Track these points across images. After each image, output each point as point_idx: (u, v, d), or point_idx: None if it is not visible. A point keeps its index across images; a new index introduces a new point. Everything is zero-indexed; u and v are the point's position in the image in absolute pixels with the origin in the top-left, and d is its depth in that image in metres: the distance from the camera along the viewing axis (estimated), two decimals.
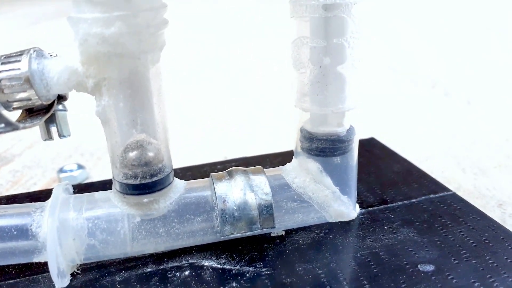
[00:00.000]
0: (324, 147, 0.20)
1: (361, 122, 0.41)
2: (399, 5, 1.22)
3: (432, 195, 0.23)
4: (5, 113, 0.16)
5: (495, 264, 0.18)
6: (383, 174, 0.25)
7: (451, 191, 0.24)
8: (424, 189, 0.24)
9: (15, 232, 0.19)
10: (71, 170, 0.32)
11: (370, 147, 0.29)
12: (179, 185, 0.20)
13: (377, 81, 0.55)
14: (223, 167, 0.28)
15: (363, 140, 0.30)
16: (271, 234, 0.21)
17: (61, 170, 0.33)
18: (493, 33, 0.80)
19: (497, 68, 0.59)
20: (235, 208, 0.19)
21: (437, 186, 0.24)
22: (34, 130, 0.19)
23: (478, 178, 0.31)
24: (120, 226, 0.19)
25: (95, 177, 0.33)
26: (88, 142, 0.40)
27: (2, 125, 0.16)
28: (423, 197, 0.23)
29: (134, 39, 0.15)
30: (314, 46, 0.17)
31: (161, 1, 0.16)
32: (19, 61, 0.17)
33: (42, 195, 0.26)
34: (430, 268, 0.18)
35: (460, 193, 0.29)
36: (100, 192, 0.20)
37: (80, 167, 0.33)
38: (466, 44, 0.73)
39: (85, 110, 0.42)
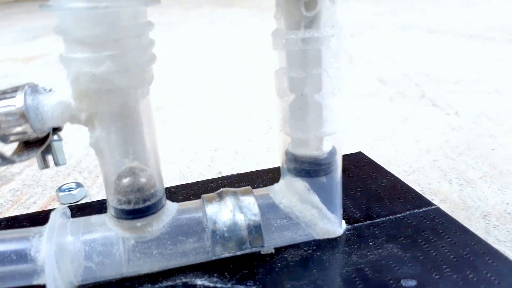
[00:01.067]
0: (308, 169, 0.21)
1: (350, 135, 0.41)
2: (386, 15, 1.23)
3: (416, 210, 0.24)
4: (0, 147, 0.17)
5: (475, 279, 0.19)
6: (369, 189, 0.26)
7: (435, 205, 0.25)
8: (408, 204, 0.25)
9: (14, 257, 0.19)
10: (70, 189, 0.33)
11: (357, 162, 0.30)
12: (171, 207, 0.21)
13: (365, 93, 0.56)
14: (216, 184, 0.29)
15: (350, 155, 0.31)
16: (261, 252, 0.22)
17: (60, 189, 0.34)
18: (481, 43, 0.81)
19: (486, 79, 0.60)
20: (225, 229, 0.20)
21: (421, 201, 0.25)
22: None
23: (464, 190, 0.32)
24: (115, 249, 0.20)
25: (94, 194, 0.34)
26: (86, 160, 0.41)
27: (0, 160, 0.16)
28: (408, 212, 0.24)
29: (124, 76, 0.16)
30: (294, 77, 0.18)
31: (148, 38, 0.17)
32: (14, 97, 0.18)
33: (42, 216, 0.27)
34: (412, 283, 0.19)
35: (446, 205, 0.30)
36: (96, 216, 0.21)
37: (78, 185, 0.34)
38: (455, 54, 0.74)
39: (82, 129, 0.43)
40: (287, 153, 0.21)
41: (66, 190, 0.33)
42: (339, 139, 0.21)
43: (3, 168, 0.40)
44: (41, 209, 0.33)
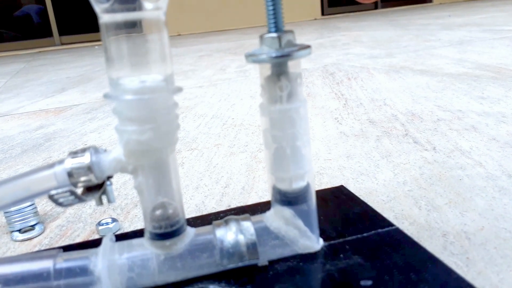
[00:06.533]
0: (291, 200, 0.28)
1: (339, 171, 0.48)
2: (382, 58, 1.32)
3: (380, 230, 0.31)
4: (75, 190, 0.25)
5: (415, 279, 0.26)
6: (345, 215, 0.33)
7: (395, 226, 0.31)
8: (374, 225, 0.32)
9: (78, 270, 0.27)
10: (107, 223, 0.41)
11: (338, 193, 0.37)
12: (190, 231, 0.28)
13: (356, 133, 0.63)
14: (225, 215, 0.36)
15: (333, 188, 0.38)
16: (258, 264, 0.28)
17: (99, 223, 0.41)
18: (467, 82, 0.89)
19: (465, 116, 0.67)
20: (230, 246, 0.27)
21: (385, 223, 0.32)
22: None
23: (431, 214, 0.38)
24: (150, 263, 0.27)
25: (126, 227, 0.42)
26: (118, 200, 0.49)
27: (77, 200, 0.24)
28: (373, 232, 0.31)
29: (159, 141, 0.24)
30: (275, 134, 0.26)
31: (175, 113, 0.25)
32: (83, 155, 0.26)
33: (89, 244, 0.35)
34: (368, 283, 0.26)
35: (413, 227, 0.37)
36: (136, 239, 0.28)
37: (114, 220, 0.41)
38: (442, 93, 0.82)
39: (115, 181, 0.52)
40: (274, 188, 0.28)
41: (104, 224, 0.41)
42: (311, 176, 0.28)
43: (49, 208, 0.49)
44: (85, 240, 0.40)
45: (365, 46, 1.58)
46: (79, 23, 3.77)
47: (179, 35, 3.74)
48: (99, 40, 3.46)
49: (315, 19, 4.13)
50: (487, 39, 1.41)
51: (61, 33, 3.82)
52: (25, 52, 3.43)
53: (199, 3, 3.88)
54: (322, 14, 4.24)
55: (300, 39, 2.06)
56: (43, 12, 3.79)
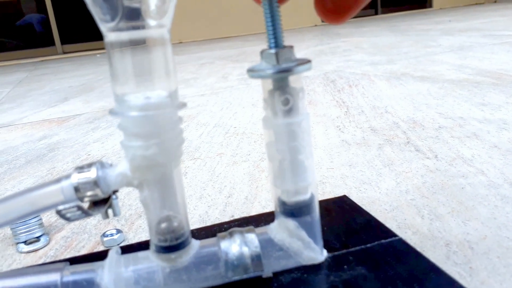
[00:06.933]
0: (295, 211, 0.28)
1: (342, 180, 0.49)
2: (382, 64, 1.32)
3: (383, 240, 0.31)
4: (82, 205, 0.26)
5: None
6: (348, 225, 0.34)
7: (398, 236, 0.32)
8: (378, 236, 0.32)
9: (85, 284, 0.27)
10: (111, 234, 0.41)
11: (341, 204, 0.37)
12: (195, 244, 0.28)
13: (358, 142, 0.64)
14: (229, 226, 0.36)
15: (336, 198, 0.38)
16: (263, 276, 0.29)
17: (103, 235, 0.42)
18: (468, 88, 0.89)
19: (467, 123, 0.67)
20: (234, 258, 0.27)
21: (388, 233, 0.32)
22: None
23: (433, 223, 0.39)
24: (156, 275, 0.27)
25: (131, 238, 0.42)
26: (122, 211, 0.49)
27: (84, 214, 0.25)
28: (376, 242, 0.31)
29: (163, 155, 0.24)
30: (279, 147, 0.26)
31: (180, 128, 0.26)
32: (89, 170, 0.26)
33: (94, 256, 0.35)
34: None
35: (416, 236, 0.37)
36: (141, 251, 0.29)
37: (118, 231, 0.42)
38: (443, 100, 0.82)
39: (119, 191, 0.52)
40: (278, 200, 0.29)
41: (109, 236, 0.41)
42: (315, 187, 0.29)
43: (54, 219, 0.49)
44: (90, 251, 0.41)
45: (365, 52, 1.59)
46: (81, 31, 3.80)
47: (181, 42, 3.76)
48: (101, 49, 3.49)
49: (315, 25, 4.15)
50: (488, 44, 1.42)
51: (63, 42, 3.84)
52: (27, 61, 3.45)
53: (200, 10, 3.91)
54: (322, 20, 4.27)
55: (300, 46, 2.07)
56: (45, 21, 3.82)
